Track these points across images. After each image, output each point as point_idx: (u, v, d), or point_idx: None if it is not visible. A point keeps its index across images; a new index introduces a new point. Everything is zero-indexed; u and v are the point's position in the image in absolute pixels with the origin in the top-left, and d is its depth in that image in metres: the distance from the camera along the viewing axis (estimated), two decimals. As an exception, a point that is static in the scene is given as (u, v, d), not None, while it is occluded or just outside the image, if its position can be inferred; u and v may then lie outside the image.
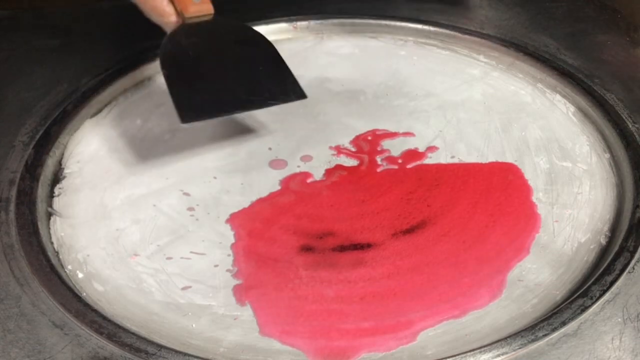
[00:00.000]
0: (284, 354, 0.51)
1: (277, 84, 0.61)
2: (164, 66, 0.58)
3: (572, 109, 0.71)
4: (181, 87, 0.58)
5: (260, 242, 0.58)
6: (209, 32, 0.60)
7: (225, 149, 0.68)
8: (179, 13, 0.59)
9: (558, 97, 0.72)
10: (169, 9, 0.58)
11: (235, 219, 0.61)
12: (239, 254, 0.58)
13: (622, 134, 0.66)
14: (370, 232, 0.59)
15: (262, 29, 0.80)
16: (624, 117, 0.67)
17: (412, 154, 0.67)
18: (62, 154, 0.67)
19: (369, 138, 0.68)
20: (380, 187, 0.63)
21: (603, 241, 0.58)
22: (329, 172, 0.65)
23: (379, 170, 0.65)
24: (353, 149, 0.67)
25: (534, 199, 0.62)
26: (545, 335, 0.49)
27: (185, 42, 0.59)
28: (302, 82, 0.75)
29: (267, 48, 0.62)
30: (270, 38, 0.80)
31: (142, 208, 0.62)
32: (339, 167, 0.65)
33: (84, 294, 0.54)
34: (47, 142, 0.66)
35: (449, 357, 0.49)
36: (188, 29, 0.59)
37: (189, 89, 0.58)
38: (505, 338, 0.50)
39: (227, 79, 0.60)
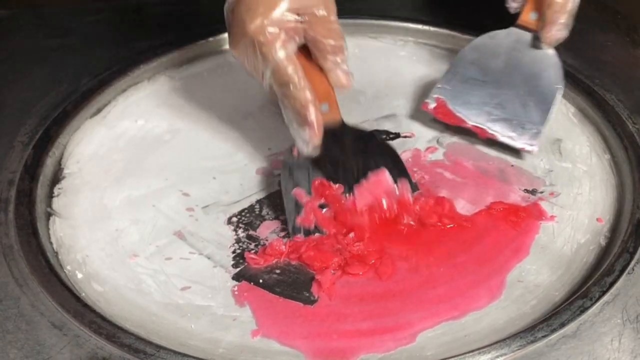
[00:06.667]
0: (283, 354, 0.51)
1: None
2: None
3: (572, 109, 0.71)
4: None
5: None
6: (335, 140, 0.60)
7: (225, 149, 0.68)
8: None
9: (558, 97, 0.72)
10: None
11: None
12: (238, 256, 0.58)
13: (622, 135, 0.65)
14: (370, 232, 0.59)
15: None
16: (624, 118, 0.67)
17: (412, 154, 0.67)
18: (62, 154, 0.67)
19: (369, 138, 0.68)
20: (380, 188, 0.63)
21: (603, 242, 0.58)
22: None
23: (378, 170, 0.65)
24: (353, 149, 0.67)
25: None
26: (545, 336, 0.49)
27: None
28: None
29: (390, 155, 0.63)
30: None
31: (141, 208, 0.62)
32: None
33: (83, 294, 0.54)
34: (46, 142, 0.66)
35: (448, 358, 0.49)
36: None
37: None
38: (505, 339, 0.50)
39: None
